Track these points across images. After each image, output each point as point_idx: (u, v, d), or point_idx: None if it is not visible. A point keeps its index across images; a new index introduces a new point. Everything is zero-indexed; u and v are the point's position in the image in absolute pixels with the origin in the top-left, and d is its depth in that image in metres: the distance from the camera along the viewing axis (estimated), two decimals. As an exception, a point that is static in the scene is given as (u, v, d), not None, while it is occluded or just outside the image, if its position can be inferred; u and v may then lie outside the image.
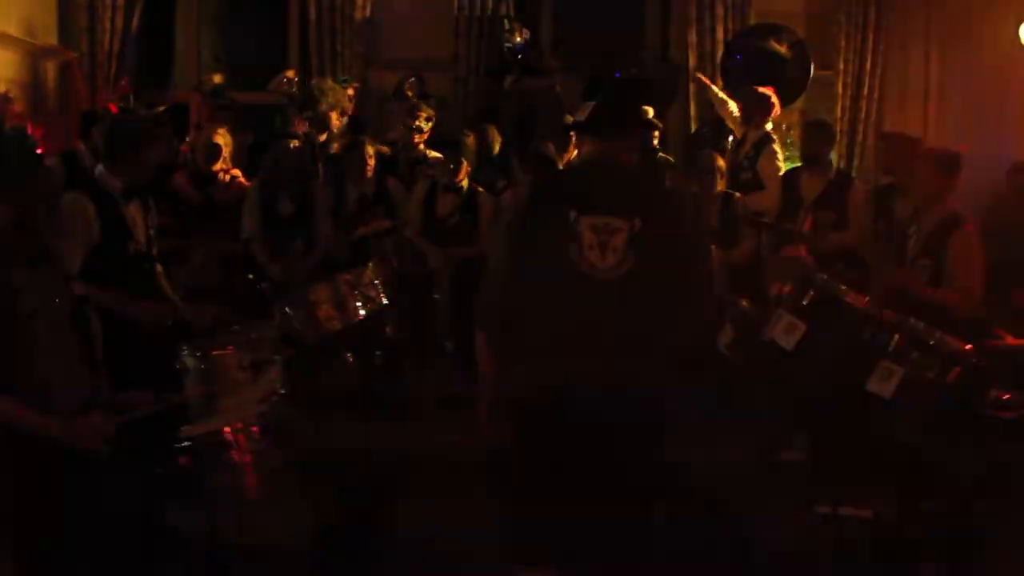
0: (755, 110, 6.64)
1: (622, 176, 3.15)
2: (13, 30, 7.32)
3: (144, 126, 4.50)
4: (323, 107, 6.59)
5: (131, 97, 7.18)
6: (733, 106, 6.90)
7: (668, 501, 3.56)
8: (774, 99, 6.70)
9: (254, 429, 3.59)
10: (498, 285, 3.10)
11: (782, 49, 7.09)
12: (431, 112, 6.54)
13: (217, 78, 7.38)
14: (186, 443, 3.47)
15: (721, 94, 7.01)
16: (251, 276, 5.83)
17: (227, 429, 3.49)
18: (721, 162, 6.29)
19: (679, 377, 3.06)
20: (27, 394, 2.86)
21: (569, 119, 3.53)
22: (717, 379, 5.13)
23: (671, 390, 3.02)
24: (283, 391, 3.86)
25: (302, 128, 6.43)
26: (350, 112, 7.02)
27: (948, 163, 4.61)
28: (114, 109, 7.08)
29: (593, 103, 3.19)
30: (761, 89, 6.70)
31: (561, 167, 5.90)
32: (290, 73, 7.06)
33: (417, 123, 6.43)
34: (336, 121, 6.69)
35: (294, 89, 6.94)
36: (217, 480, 3.48)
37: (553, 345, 2.95)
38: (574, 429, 2.90)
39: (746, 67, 7.21)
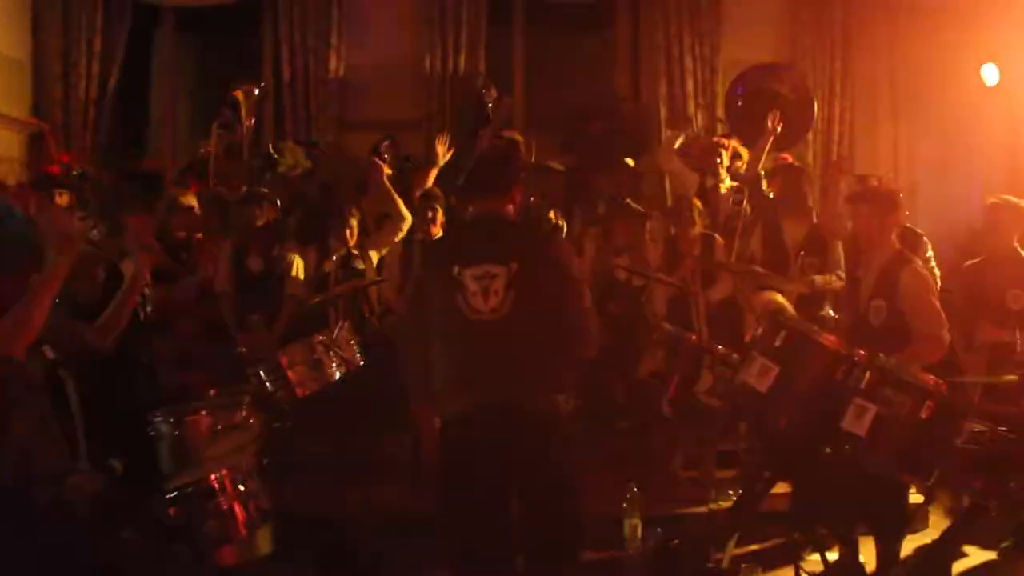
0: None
1: (500, 227, 3.53)
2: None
3: None
4: (282, 168, 6.67)
5: (69, 166, 7.25)
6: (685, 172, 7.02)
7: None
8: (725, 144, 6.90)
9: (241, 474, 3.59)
10: (409, 339, 3.61)
11: (783, 89, 7.13)
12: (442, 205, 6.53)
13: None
14: (173, 494, 3.47)
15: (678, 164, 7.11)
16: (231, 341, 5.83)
17: (213, 476, 3.51)
18: (699, 204, 6.32)
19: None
20: (6, 458, 2.84)
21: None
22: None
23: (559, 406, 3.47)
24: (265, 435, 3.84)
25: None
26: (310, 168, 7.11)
27: (886, 202, 4.61)
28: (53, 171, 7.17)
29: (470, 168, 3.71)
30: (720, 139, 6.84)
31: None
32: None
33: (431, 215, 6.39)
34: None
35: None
36: (206, 528, 3.46)
37: (456, 383, 3.39)
38: (485, 447, 3.35)
39: (746, 106, 7.21)
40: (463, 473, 3.39)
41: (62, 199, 6.69)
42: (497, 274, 3.35)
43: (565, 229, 6.50)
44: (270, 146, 7.25)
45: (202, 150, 7.49)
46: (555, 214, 6.55)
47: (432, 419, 3.55)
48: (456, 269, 3.38)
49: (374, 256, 6.35)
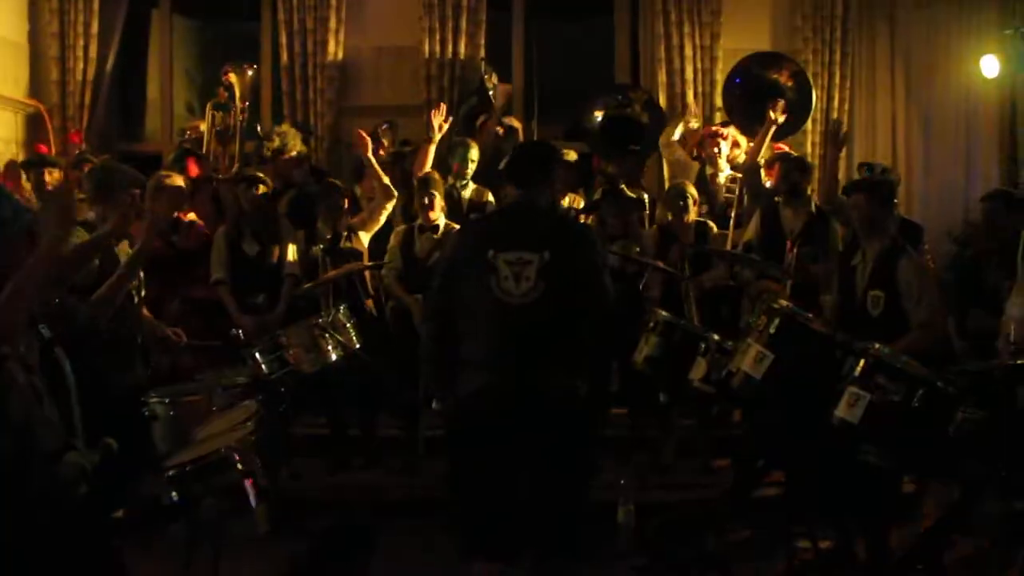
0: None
1: (534, 216, 3.71)
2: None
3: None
4: (268, 152, 6.68)
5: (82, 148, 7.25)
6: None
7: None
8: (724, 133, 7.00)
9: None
10: (433, 317, 3.75)
11: (782, 78, 7.11)
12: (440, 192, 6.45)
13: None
14: (171, 473, 3.44)
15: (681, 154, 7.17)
16: (224, 322, 5.83)
17: (211, 454, 3.46)
18: (694, 191, 6.33)
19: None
20: (2, 438, 2.84)
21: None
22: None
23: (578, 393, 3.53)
24: (261, 414, 3.82)
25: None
26: (304, 154, 7.11)
27: (882, 192, 4.64)
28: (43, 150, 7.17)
29: (511, 155, 3.94)
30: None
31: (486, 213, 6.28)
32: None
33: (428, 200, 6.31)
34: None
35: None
36: (205, 506, 3.43)
37: (479, 361, 3.51)
38: (500, 427, 3.46)
39: (744, 94, 7.19)
40: (476, 449, 3.51)
41: (52, 177, 6.67)
42: (530, 261, 3.50)
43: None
44: (258, 127, 7.24)
45: (188, 133, 7.47)
46: (571, 199, 6.56)
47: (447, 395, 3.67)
48: (491, 252, 3.54)
49: (364, 237, 6.33)
